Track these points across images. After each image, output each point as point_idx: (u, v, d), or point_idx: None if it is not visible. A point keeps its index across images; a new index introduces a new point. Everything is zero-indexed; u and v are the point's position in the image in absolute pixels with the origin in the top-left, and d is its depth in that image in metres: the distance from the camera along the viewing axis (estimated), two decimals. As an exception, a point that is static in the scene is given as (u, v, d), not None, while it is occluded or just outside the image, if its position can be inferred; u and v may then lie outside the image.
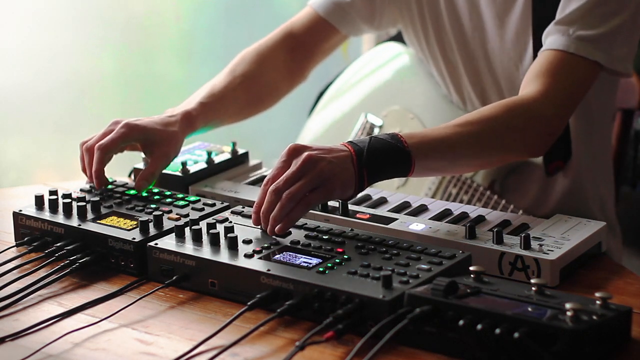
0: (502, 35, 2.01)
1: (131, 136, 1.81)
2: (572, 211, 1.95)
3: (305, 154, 1.56)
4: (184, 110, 1.90)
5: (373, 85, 2.35)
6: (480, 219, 1.67)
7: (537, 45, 1.92)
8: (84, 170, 1.80)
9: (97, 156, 1.77)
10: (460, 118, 1.72)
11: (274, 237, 1.56)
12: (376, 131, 2.28)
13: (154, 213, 1.64)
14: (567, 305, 1.27)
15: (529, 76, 1.81)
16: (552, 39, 1.82)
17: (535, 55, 1.92)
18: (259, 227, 1.58)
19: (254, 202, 1.73)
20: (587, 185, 2.08)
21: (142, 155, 1.84)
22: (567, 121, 1.84)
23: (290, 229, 1.58)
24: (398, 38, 2.33)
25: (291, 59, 2.14)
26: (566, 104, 1.80)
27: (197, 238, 1.56)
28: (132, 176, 1.87)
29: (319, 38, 2.16)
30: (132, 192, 1.75)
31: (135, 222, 1.63)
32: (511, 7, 1.98)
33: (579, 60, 1.80)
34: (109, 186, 1.77)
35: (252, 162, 1.92)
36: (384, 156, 1.59)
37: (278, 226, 1.54)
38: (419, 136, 1.64)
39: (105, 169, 1.83)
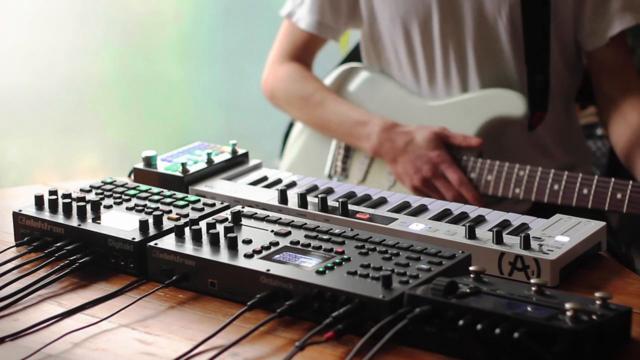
0: None
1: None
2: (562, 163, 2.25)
3: None
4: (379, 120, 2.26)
5: None
6: (480, 219, 1.67)
7: None
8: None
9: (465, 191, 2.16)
10: None
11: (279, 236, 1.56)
12: (351, 150, 2.39)
13: (153, 213, 1.64)
14: (567, 305, 1.27)
15: None
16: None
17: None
18: None
19: (254, 202, 1.74)
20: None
21: (142, 155, 1.85)
22: None
23: (290, 229, 1.59)
24: (354, 57, 2.52)
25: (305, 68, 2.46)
26: None
27: (196, 238, 1.56)
28: (132, 176, 1.87)
29: (314, 50, 2.47)
30: (132, 192, 1.75)
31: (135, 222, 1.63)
32: None
33: None
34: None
35: (252, 162, 1.92)
36: None
37: None
38: None
39: (105, 169, 1.84)
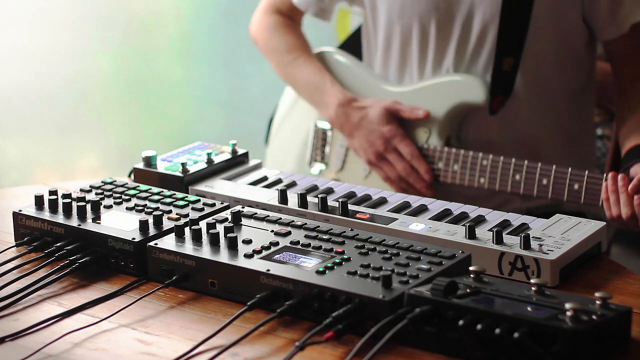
0: None
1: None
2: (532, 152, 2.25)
3: None
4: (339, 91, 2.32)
5: None
6: (480, 219, 1.67)
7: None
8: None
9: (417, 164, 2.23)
10: None
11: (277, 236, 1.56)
12: (329, 134, 2.43)
13: (153, 213, 1.64)
14: (567, 305, 1.27)
15: None
16: None
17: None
18: None
19: (254, 202, 1.74)
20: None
21: (142, 155, 1.85)
22: None
23: (290, 229, 1.59)
24: (349, 45, 2.51)
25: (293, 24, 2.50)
26: None
27: (196, 238, 1.56)
28: (132, 176, 1.87)
29: (302, 16, 2.50)
30: (132, 192, 1.75)
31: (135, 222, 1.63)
32: None
33: None
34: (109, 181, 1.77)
35: (252, 162, 1.92)
36: None
37: None
38: None
39: (105, 168, 1.84)
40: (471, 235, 1.58)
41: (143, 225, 1.60)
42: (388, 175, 2.28)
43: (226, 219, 1.62)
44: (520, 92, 2.25)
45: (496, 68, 2.22)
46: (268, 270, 1.45)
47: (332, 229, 1.57)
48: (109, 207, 1.69)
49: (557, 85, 2.30)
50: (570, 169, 2.03)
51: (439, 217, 1.68)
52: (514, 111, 2.26)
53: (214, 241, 1.54)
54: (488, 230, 1.60)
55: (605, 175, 1.94)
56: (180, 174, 1.82)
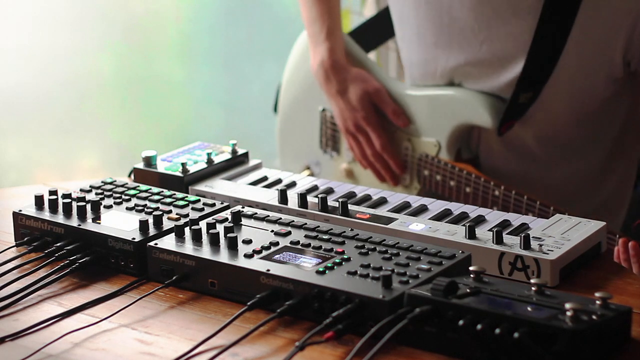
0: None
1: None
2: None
3: None
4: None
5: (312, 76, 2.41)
6: (480, 219, 1.67)
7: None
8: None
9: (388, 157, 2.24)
10: None
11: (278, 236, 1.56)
12: (337, 126, 2.40)
13: (153, 213, 1.64)
14: (567, 305, 1.27)
15: None
16: None
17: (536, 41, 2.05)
18: None
19: (254, 202, 1.74)
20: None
21: (142, 155, 1.85)
22: None
23: (290, 229, 1.59)
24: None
25: None
26: None
27: (196, 238, 1.56)
28: (132, 176, 1.87)
29: None
30: (132, 192, 1.75)
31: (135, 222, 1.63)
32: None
33: None
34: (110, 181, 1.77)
35: (252, 162, 1.92)
36: None
37: None
38: None
39: (105, 169, 1.84)
40: (471, 235, 1.58)
41: (143, 225, 1.60)
42: (355, 151, 2.28)
43: (226, 219, 1.62)
44: (531, 119, 2.17)
45: (513, 101, 2.13)
46: (268, 270, 1.45)
47: (332, 229, 1.57)
48: (109, 207, 1.69)
49: (576, 129, 2.20)
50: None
51: (439, 217, 1.68)
52: (522, 135, 2.20)
53: (214, 241, 1.54)
54: (488, 230, 1.60)
55: (617, 236, 1.80)
56: (180, 174, 1.82)
